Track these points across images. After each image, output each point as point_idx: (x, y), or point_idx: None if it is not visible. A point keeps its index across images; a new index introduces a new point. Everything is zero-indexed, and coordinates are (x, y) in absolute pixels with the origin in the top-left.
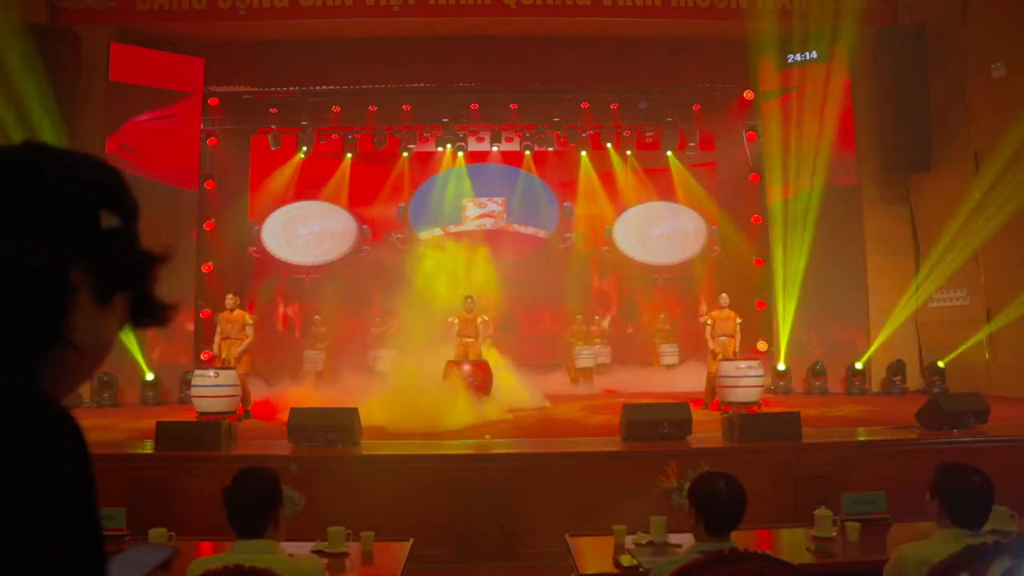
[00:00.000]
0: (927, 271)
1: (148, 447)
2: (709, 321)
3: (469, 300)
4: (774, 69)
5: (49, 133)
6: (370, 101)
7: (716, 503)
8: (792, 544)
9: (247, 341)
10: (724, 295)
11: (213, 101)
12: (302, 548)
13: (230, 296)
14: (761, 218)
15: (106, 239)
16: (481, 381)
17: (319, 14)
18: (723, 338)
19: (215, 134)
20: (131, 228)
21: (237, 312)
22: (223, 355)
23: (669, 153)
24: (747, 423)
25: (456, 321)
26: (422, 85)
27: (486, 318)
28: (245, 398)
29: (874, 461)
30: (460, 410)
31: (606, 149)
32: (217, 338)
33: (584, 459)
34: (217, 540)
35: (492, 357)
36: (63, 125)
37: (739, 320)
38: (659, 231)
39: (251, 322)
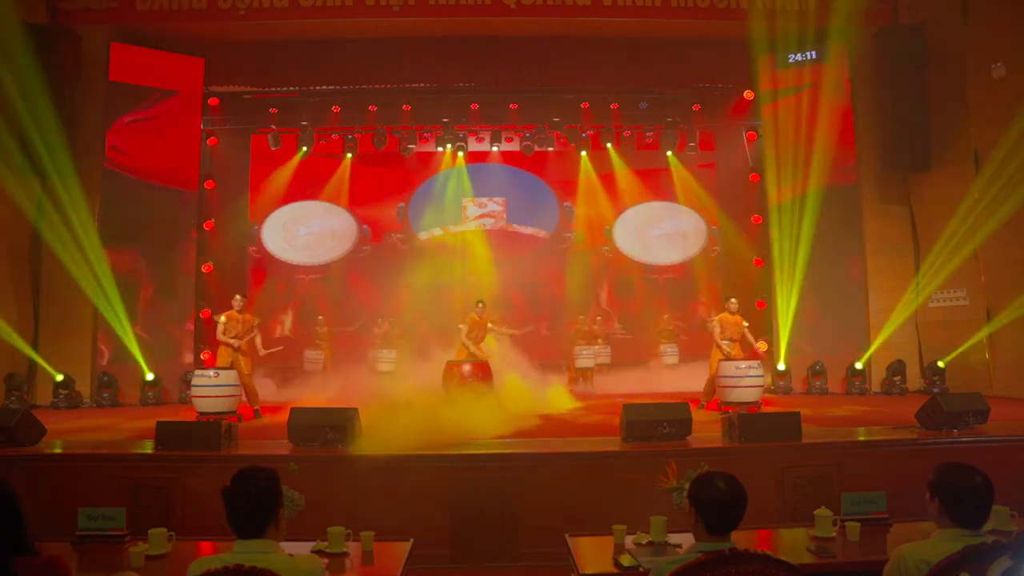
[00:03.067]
0: (927, 271)
1: (148, 447)
2: (716, 324)
3: (480, 304)
4: (774, 69)
5: (49, 133)
6: (370, 101)
7: (716, 503)
8: (792, 544)
9: (257, 340)
10: (734, 300)
11: (213, 101)
12: (302, 548)
13: (238, 297)
14: (761, 218)
15: None
16: (481, 382)
17: (319, 14)
18: (726, 342)
19: (215, 134)
20: None
21: (246, 315)
22: (229, 358)
23: (669, 153)
24: (747, 423)
25: (464, 325)
26: (422, 85)
27: (492, 325)
28: (252, 397)
29: (874, 461)
30: (487, 418)
31: (606, 149)
32: (224, 339)
33: (584, 459)
34: (217, 540)
35: (507, 355)
36: (63, 125)
37: (746, 324)
38: (659, 231)
39: (256, 324)
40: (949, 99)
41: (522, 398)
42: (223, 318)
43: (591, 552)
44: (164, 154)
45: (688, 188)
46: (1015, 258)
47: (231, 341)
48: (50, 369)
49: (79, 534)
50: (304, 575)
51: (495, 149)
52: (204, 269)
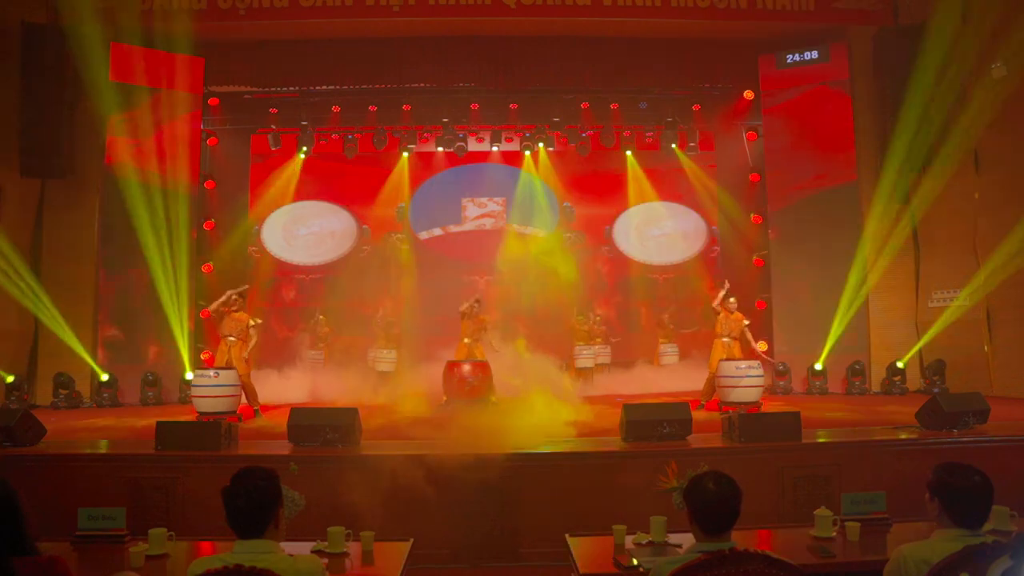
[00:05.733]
0: (927, 271)
1: (148, 447)
2: (719, 308)
3: (477, 303)
4: (774, 69)
5: (49, 133)
6: (370, 101)
7: (707, 504)
8: (792, 544)
9: (252, 342)
10: (732, 299)
11: (213, 101)
12: (302, 548)
13: (236, 295)
14: (761, 218)
15: None
16: (481, 382)
17: (319, 14)
18: (727, 340)
19: (215, 134)
20: None
21: (241, 313)
22: (225, 357)
23: (674, 145)
24: (747, 423)
25: (464, 311)
26: (422, 85)
27: (490, 324)
28: (252, 397)
29: (874, 461)
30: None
31: (607, 149)
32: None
33: (584, 459)
34: (217, 540)
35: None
36: (63, 125)
37: (747, 322)
38: (659, 231)
39: (254, 323)
40: (949, 99)
41: (555, 405)
42: (226, 300)
43: (591, 552)
44: (164, 154)
45: (688, 188)
46: (1015, 258)
47: (223, 310)
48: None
49: (79, 534)
50: (304, 575)
51: (495, 149)
52: (204, 269)
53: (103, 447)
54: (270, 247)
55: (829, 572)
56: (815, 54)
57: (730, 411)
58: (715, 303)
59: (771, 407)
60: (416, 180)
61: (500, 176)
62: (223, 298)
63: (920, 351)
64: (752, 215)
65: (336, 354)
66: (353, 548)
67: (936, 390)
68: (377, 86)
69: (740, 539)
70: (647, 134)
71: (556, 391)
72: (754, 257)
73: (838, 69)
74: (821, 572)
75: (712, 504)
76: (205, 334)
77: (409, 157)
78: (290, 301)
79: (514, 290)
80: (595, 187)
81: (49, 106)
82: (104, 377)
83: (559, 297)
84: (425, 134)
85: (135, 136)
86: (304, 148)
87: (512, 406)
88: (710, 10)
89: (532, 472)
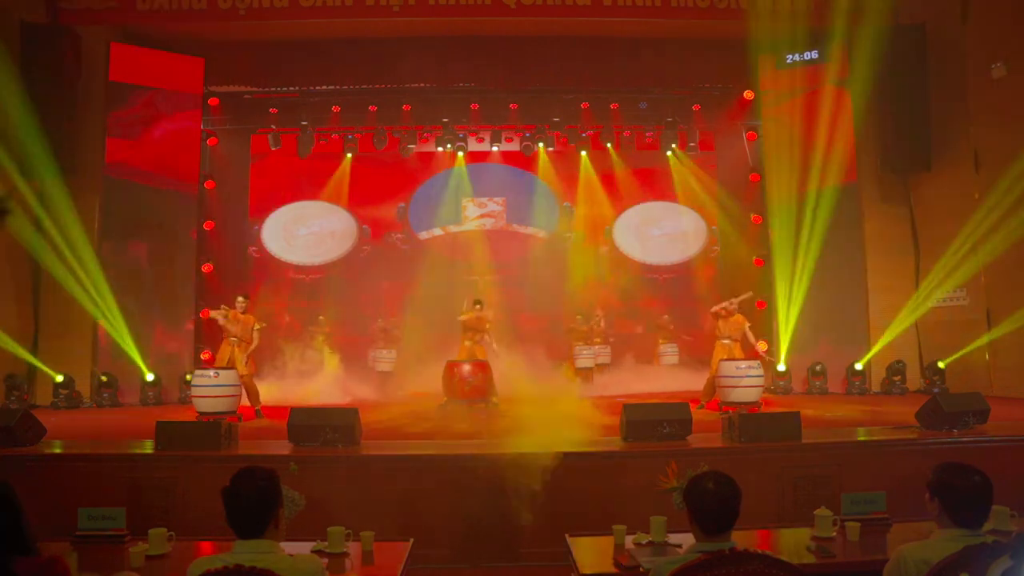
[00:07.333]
0: (927, 271)
1: (148, 447)
2: (719, 311)
3: (478, 305)
4: (774, 69)
5: (49, 133)
6: (370, 101)
7: (706, 504)
8: (792, 544)
9: (253, 345)
10: (733, 300)
11: (213, 101)
12: (302, 548)
13: (241, 298)
14: (761, 218)
15: None
16: (481, 382)
17: (319, 14)
18: (727, 341)
19: (215, 134)
20: None
21: (248, 316)
22: (228, 357)
23: (669, 153)
24: (747, 423)
25: (464, 320)
26: (422, 85)
27: (489, 327)
28: (254, 397)
29: (874, 461)
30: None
31: (606, 149)
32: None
33: (584, 459)
34: (217, 540)
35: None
36: (63, 125)
37: (748, 324)
38: (659, 231)
39: (260, 327)
40: (949, 99)
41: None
42: (227, 313)
43: (591, 552)
44: (164, 154)
45: (688, 188)
46: (1015, 258)
47: (227, 324)
48: (49, 371)
49: (79, 534)
50: (304, 575)
51: (495, 149)
52: (204, 269)
53: (103, 447)
54: (270, 247)
55: (829, 572)
56: (815, 54)
57: (730, 411)
58: (715, 308)
59: (771, 407)
60: (416, 180)
61: (500, 176)
62: (223, 310)
63: (920, 351)
64: (752, 215)
65: (336, 354)
66: (353, 548)
67: (936, 390)
68: (377, 86)
69: (740, 539)
70: (647, 134)
71: (565, 394)
72: (754, 257)
73: (838, 69)
74: (821, 572)
75: (712, 504)
76: (205, 334)
77: (409, 157)
78: (290, 301)
79: (514, 290)
80: (595, 187)
81: (49, 106)
82: (104, 377)
83: (559, 297)
84: (425, 134)
85: (135, 136)
86: (304, 148)
87: (530, 410)
88: (710, 10)
89: (532, 472)
